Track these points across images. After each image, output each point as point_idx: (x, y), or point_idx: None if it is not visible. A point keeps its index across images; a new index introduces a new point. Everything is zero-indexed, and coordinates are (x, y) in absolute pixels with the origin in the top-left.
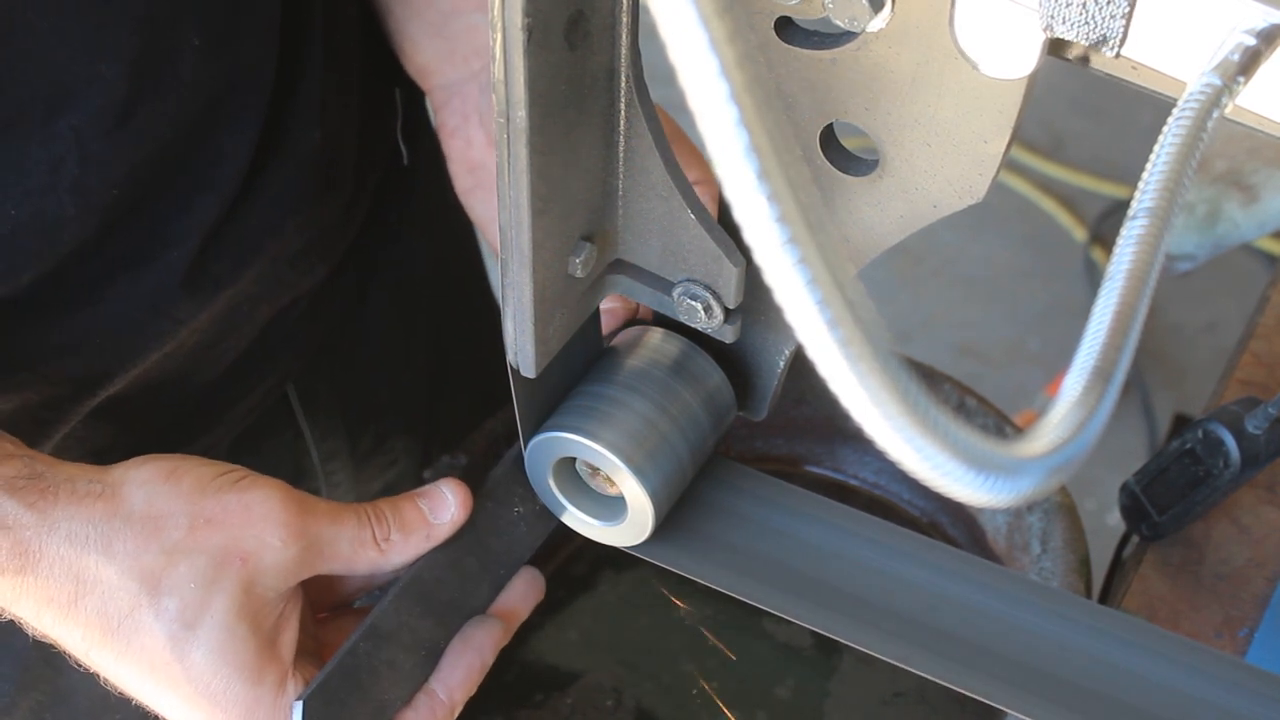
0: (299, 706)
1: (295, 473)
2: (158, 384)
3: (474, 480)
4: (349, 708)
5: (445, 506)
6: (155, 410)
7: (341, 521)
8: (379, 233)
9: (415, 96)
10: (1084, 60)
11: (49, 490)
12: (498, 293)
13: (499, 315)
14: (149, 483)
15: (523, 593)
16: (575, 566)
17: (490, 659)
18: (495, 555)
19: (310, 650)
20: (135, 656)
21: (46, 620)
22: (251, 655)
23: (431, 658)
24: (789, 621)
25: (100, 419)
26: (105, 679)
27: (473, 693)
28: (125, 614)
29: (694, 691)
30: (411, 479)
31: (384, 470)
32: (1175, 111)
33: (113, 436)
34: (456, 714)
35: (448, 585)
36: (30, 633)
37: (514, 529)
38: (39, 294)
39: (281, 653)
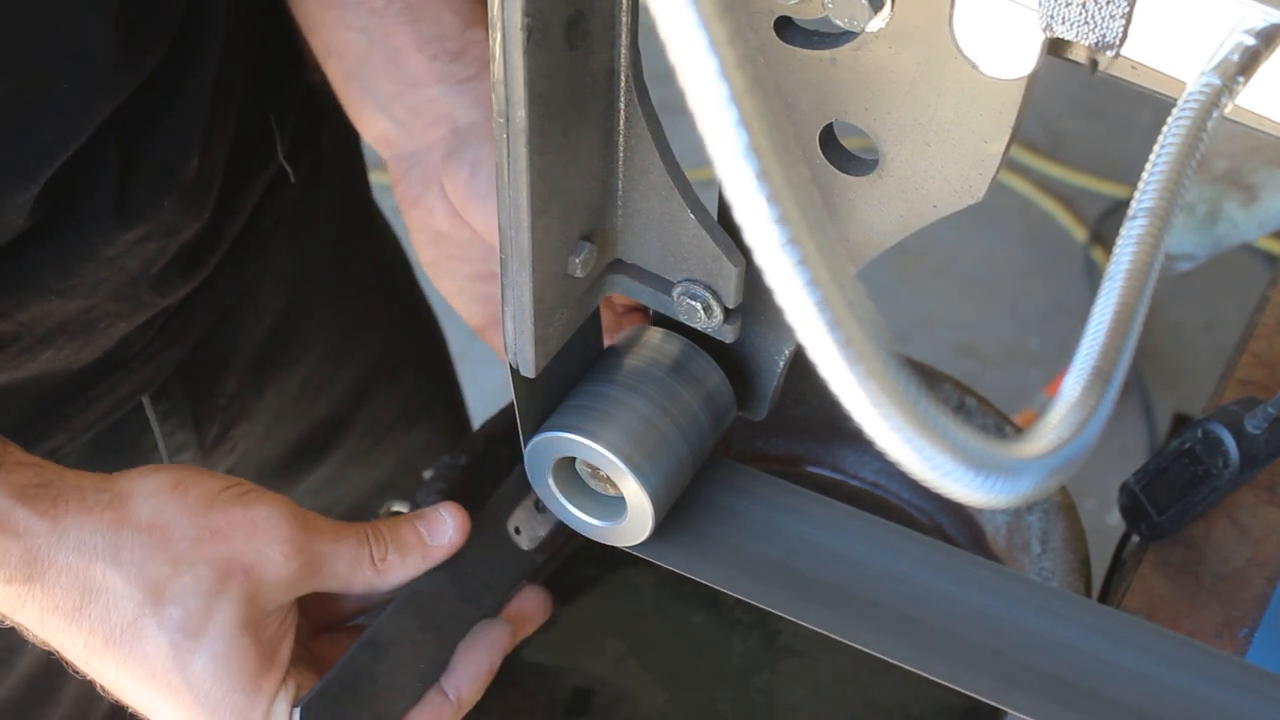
0: (297, 713)
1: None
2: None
3: (473, 479)
4: (348, 715)
5: (443, 530)
6: None
7: (342, 540)
8: (257, 248)
9: (306, 118)
10: (1093, 65)
11: (60, 498)
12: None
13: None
14: (156, 494)
15: (534, 605)
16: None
17: (498, 662)
18: (495, 571)
19: (306, 661)
20: (136, 664)
21: (49, 627)
22: (252, 665)
23: (434, 668)
24: None
25: None
26: (102, 686)
27: (480, 695)
28: (129, 622)
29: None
30: (253, 461)
31: (226, 455)
32: (1175, 111)
33: None
34: (464, 713)
35: (447, 600)
36: (29, 639)
37: (512, 547)
38: None
39: (280, 663)
